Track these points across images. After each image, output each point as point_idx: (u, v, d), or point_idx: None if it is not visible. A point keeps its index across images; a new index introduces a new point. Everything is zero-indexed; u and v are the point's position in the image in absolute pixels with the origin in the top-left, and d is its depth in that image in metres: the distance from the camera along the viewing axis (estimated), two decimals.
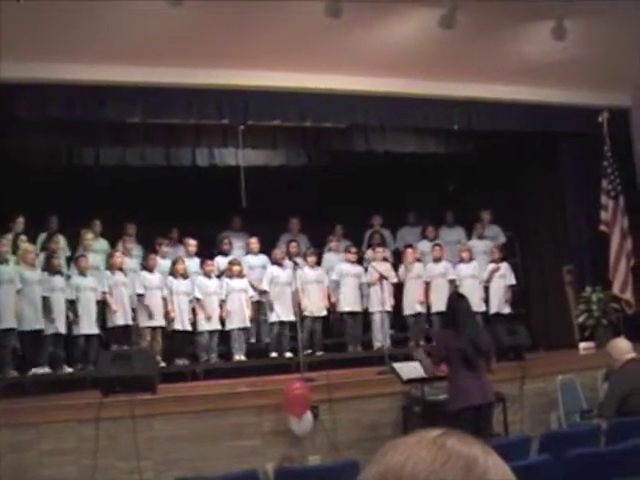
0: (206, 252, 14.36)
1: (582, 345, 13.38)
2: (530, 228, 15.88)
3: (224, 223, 15.03)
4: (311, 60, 11.55)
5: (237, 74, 11.63)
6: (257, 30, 10.56)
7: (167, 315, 13.17)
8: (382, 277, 12.64)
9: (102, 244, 13.71)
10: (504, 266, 14.66)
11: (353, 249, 14.51)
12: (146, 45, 10.55)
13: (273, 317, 13.77)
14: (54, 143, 13.09)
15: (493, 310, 14.44)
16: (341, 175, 15.29)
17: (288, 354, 13.54)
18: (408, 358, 12.12)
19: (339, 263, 14.42)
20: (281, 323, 13.70)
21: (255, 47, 10.97)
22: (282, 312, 13.69)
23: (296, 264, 12.82)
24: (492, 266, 14.56)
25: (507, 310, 14.53)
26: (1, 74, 10.23)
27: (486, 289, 14.58)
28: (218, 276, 13.82)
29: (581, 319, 13.83)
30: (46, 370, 12.08)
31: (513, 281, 14.69)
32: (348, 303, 14.19)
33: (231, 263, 13.74)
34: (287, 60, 11.50)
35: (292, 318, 13.55)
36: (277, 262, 14.02)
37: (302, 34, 10.78)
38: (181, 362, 13.24)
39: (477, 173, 15.45)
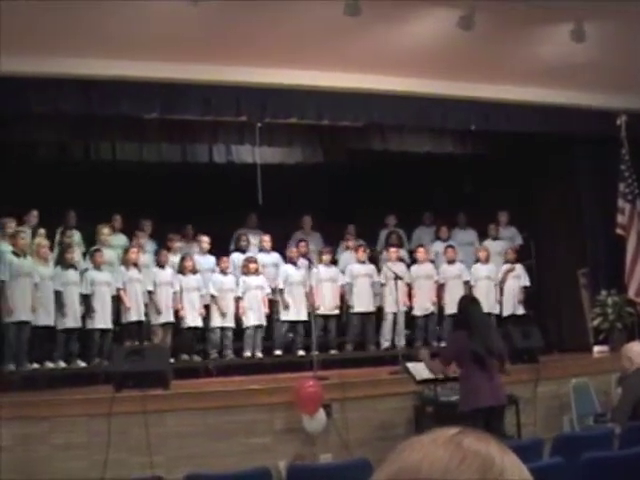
0: (221, 249, 14.36)
1: (596, 349, 13.36)
2: (546, 230, 15.80)
3: (240, 220, 14.99)
4: (329, 58, 11.54)
5: (255, 71, 11.62)
6: (275, 28, 10.57)
7: (177, 312, 13.18)
8: (397, 277, 12.61)
9: (121, 239, 13.69)
10: (518, 267, 14.65)
11: (362, 248, 14.47)
12: (164, 41, 10.55)
13: (285, 316, 13.77)
14: (70, 138, 13.11)
15: (507, 311, 14.43)
16: (357, 174, 15.30)
17: (301, 352, 13.55)
18: (411, 358, 12.14)
19: (350, 264, 14.40)
20: (293, 322, 13.72)
21: (273, 45, 10.97)
22: (294, 311, 13.70)
23: (311, 263, 12.82)
24: (507, 266, 14.54)
25: (520, 311, 14.52)
26: (17, 68, 10.31)
27: (500, 290, 14.57)
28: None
29: (596, 322, 13.78)
30: (60, 364, 12.13)
31: (527, 282, 14.69)
32: (361, 304, 14.18)
33: (248, 260, 13.72)
34: (305, 58, 11.50)
35: (304, 317, 13.64)
36: (291, 261, 14.02)
37: (321, 32, 10.77)
38: (192, 358, 13.24)
39: (493, 174, 15.41)
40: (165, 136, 13.30)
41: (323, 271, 13.85)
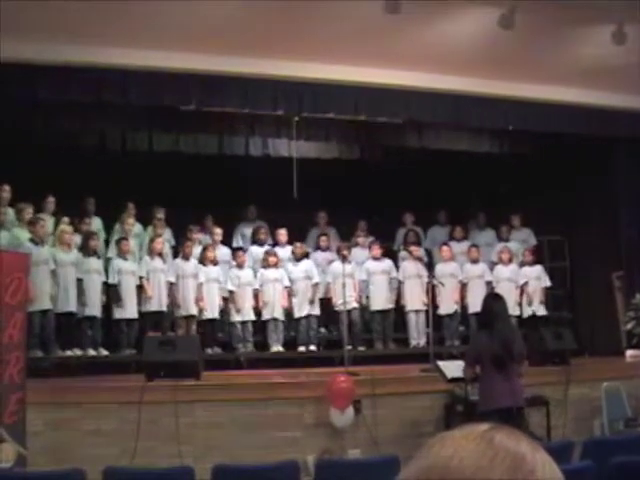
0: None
1: (629, 352, 13.24)
2: (582, 232, 15.69)
3: (273, 213, 15.00)
4: (368, 54, 11.52)
5: (294, 65, 11.63)
6: (316, 23, 10.57)
7: (197, 303, 13.20)
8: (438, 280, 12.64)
9: (137, 228, 13.77)
10: (538, 268, 14.63)
11: (376, 245, 14.41)
12: (204, 33, 10.58)
13: (295, 311, 13.80)
14: (107, 127, 13.18)
15: (528, 312, 14.37)
16: (392, 171, 15.23)
17: (312, 347, 13.65)
18: (449, 357, 12.12)
19: (366, 262, 14.33)
20: (306, 317, 13.74)
21: (313, 40, 11.00)
22: (302, 306, 13.73)
23: (345, 257, 12.78)
24: (527, 269, 14.53)
25: (542, 312, 14.46)
26: (59, 57, 10.40)
27: (520, 291, 14.53)
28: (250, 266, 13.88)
29: (629, 326, 13.67)
30: (90, 352, 12.20)
31: (548, 283, 14.66)
32: (378, 302, 14.16)
33: (267, 254, 13.75)
34: (344, 53, 11.48)
35: (314, 312, 13.74)
36: (296, 257, 14.03)
37: (360, 28, 10.74)
38: (213, 351, 13.24)
39: (530, 175, 15.31)
40: (202, 128, 13.34)
41: (340, 267, 13.69)
